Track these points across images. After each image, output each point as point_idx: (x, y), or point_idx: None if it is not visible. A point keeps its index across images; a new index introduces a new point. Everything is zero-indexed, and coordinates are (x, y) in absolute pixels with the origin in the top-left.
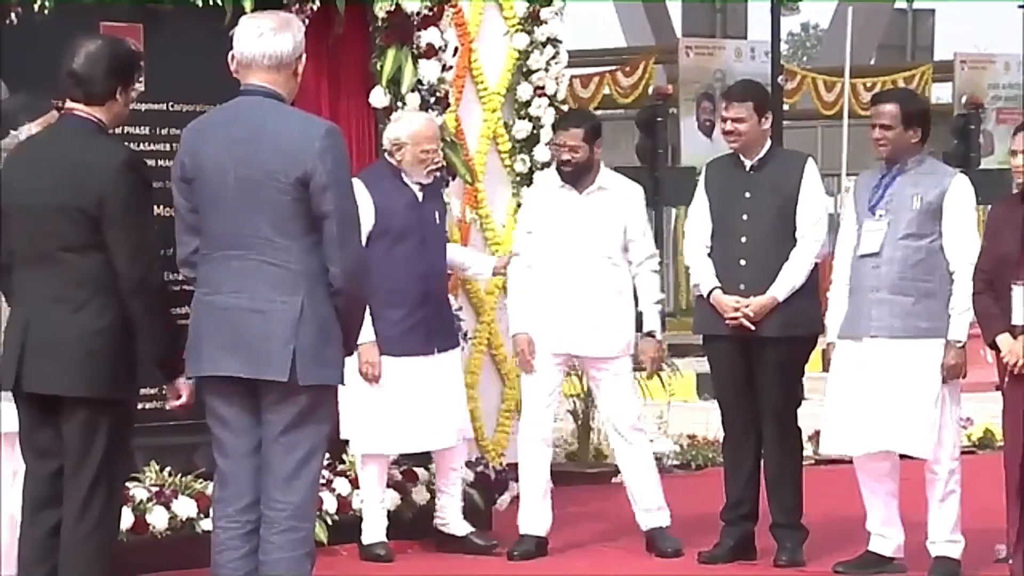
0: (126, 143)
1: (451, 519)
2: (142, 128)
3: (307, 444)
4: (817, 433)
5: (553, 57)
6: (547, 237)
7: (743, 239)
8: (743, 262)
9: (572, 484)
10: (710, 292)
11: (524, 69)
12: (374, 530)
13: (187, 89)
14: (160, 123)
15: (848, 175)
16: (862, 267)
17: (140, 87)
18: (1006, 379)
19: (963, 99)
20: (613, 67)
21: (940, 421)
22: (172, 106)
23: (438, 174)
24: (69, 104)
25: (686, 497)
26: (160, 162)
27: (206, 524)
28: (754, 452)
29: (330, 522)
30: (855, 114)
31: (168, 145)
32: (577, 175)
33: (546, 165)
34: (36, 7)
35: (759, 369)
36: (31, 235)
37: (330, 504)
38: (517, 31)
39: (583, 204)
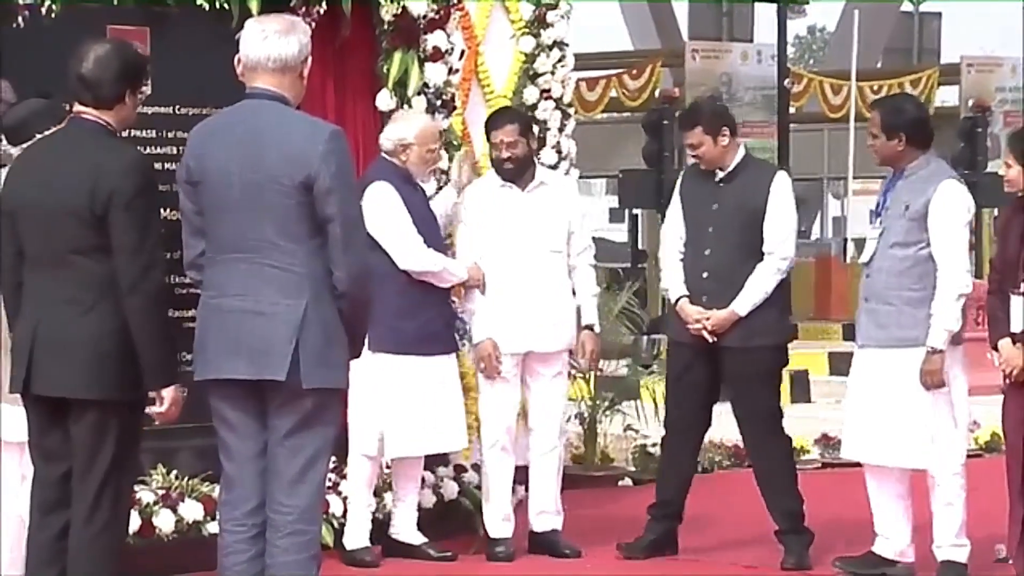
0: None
1: (405, 528)
2: (148, 131)
3: (312, 447)
4: (824, 436)
5: (559, 60)
6: (494, 236)
7: (707, 252)
8: (705, 275)
9: (579, 487)
10: (677, 300)
11: (530, 72)
12: (358, 534)
13: (194, 92)
14: (167, 126)
15: (855, 178)
16: (862, 276)
17: (147, 90)
18: (1006, 382)
19: (970, 102)
20: (620, 70)
21: (935, 428)
22: (179, 109)
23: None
24: (78, 107)
25: (693, 500)
26: (167, 165)
27: (213, 527)
28: (691, 456)
29: (336, 525)
30: (861, 117)
31: (175, 148)
32: (519, 172)
33: (552, 168)
34: (43, 10)
35: (726, 379)
36: (41, 237)
37: (336, 507)
38: (523, 34)
39: (527, 201)
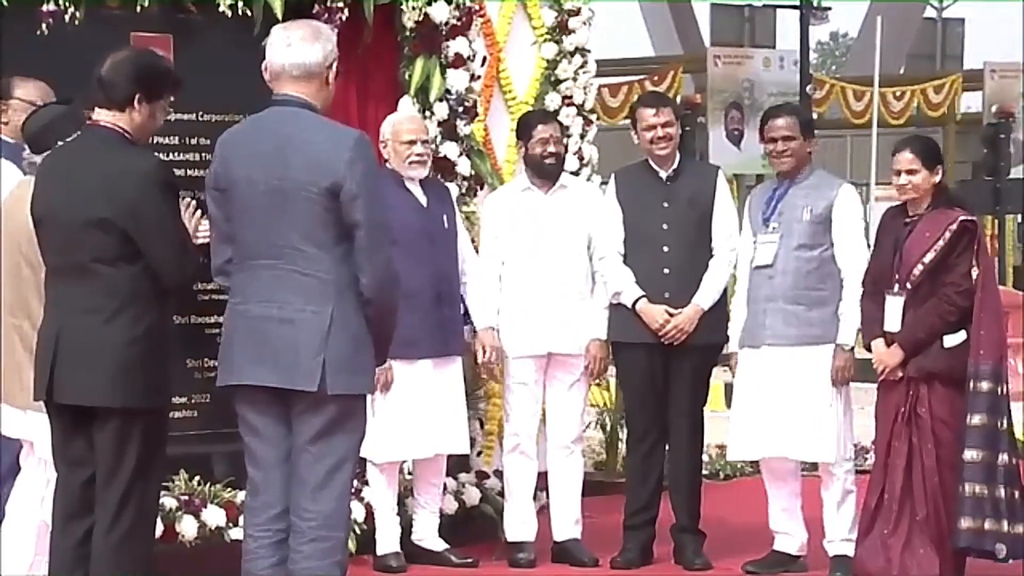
0: (156, 152)
1: (427, 535)
2: (172, 138)
3: (337, 453)
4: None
5: (581, 66)
6: (514, 238)
7: (665, 248)
8: (667, 271)
9: (600, 494)
10: (635, 302)
11: (552, 78)
12: (387, 540)
13: (217, 99)
14: (190, 133)
15: (877, 184)
16: (757, 278)
17: (170, 99)
18: (878, 381)
19: (993, 108)
20: (641, 76)
21: (836, 423)
22: (202, 116)
23: (429, 175)
24: (95, 114)
25: (717, 507)
26: (190, 172)
27: (235, 533)
28: (660, 459)
29: (358, 531)
30: (884, 123)
31: (198, 155)
32: (557, 170)
33: (575, 174)
34: (67, 17)
35: (674, 376)
36: (61, 246)
37: (358, 513)
38: (545, 40)
39: (548, 204)
